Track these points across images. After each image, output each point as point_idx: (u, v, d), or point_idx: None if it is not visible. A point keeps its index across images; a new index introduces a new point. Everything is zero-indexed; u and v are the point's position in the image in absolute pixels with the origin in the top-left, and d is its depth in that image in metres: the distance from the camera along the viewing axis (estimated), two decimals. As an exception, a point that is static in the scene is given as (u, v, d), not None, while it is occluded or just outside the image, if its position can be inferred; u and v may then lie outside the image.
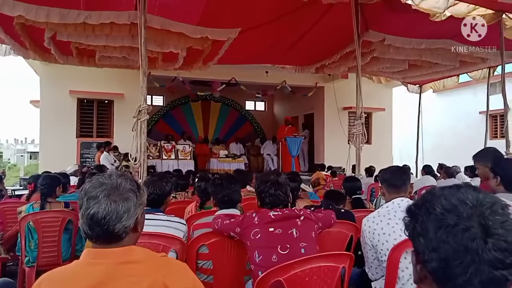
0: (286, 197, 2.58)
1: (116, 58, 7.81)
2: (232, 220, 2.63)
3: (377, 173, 7.96)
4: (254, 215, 2.49)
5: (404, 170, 2.94)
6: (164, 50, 7.02)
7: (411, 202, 0.98)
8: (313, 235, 2.51)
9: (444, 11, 5.27)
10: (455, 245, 0.80)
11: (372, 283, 2.71)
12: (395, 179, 2.74)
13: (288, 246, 2.38)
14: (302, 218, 2.49)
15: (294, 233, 2.42)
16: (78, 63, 8.23)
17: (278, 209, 2.49)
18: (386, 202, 2.74)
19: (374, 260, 2.61)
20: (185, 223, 2.87)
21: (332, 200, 3.67)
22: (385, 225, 2.52)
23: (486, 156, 3.42)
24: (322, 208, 3.18)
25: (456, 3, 5.27)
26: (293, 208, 2.63)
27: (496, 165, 2.78)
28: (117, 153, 10.47)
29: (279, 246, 2.38)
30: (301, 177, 5.50)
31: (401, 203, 2.58)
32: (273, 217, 2.44)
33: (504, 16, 5.91)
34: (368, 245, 2.59)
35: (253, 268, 2.45)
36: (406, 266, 2.38)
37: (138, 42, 4.65)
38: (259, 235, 2.41)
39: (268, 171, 6.02)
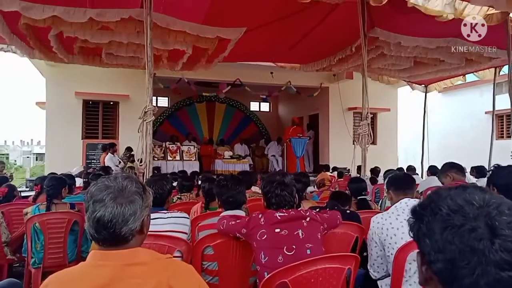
0: (292, 198, 2.58)
1: (121, 57, 7.80)
2: (238, 221, 2.63)
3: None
4: (260, 216, 2.49)
5: (410, 175, 3.06)
6: (170, 48, 6.99)
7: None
8: (318, 236, 2.50)
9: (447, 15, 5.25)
10: (461, 246, 0.79)
11: (378, 282, 2.73)
12: (402, 184, 2.86)
13: (294, 247, 2.38)
14: (308, 219, 2.49)
15: (300, 234, 2.41)
16: (83, 62, 8.20)
17: (284, 210, 2.49)
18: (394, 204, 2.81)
19: (377, 257, 2.68)
20: (187, 216, 2.92)
21: (337, 201, 3.66)
22: (394, 220, 2.61)
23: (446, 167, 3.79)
24: (328, 209, 3.18)
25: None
26: (299, 209, 2.63)
27: (493, 175, 2.79)
28: (128, 154, 10.46)
29: (285, 247, 2.37)
30: (306, 178, 5.48)
31: (409, 202, 2.69)
32: (279, 218, 2.44)
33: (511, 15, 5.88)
34: (375, 241, 2.66)
35: (259, 269, 2.45)
36: (412, 266, 2.39)
37: (144, 39, 4.63)
38: (265, 236, 2.41)
39: (275, 172, 6.00)
